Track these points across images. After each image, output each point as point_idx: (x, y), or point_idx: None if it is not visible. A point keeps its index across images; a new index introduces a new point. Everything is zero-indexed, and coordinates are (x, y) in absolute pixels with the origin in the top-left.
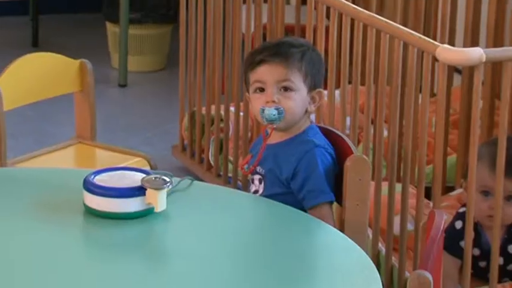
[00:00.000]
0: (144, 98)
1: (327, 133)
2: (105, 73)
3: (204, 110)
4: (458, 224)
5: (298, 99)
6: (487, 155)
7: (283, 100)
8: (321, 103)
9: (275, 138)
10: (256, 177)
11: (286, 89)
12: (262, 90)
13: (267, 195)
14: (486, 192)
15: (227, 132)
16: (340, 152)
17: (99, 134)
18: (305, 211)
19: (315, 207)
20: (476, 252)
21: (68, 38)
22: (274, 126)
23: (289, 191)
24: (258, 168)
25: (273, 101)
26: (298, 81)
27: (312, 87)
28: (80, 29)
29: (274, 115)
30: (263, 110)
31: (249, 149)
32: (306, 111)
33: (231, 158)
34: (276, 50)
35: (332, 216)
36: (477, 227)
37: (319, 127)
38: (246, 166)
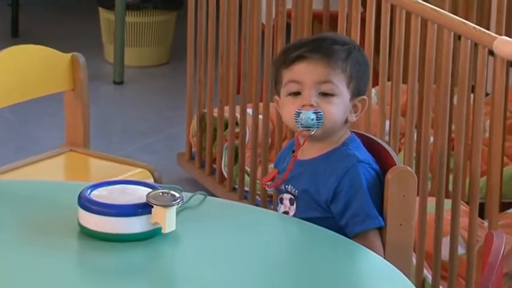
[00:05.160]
0: (144, 97)
1: (369, 143)
2: (97, 68)
3: (216, 112)
4: None
5: (340, 104)
6: None
7: (323, 104)
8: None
9: (311, 152)
10: (287, 196)
11: (326, 93)
12: (297, 93)
13: (301, 218)
14: None
15: (243, 138)
16: (384, 165)
17: (91, 139)
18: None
19: (361, 234)
20: None
21: (53, 26)
22: (311, 133)
23: (329, 216)
24: (290, 187)
25: (311, 105)
26: (341, 85)
27: (355, 94)
28: (67, 16)
29: (312, 119)
30: (299, 114)
31: (274, 164)
32: (346, 120)
33: (247, 168)
34: (317, 45)
35: (381, 244)
36: None
37: (359, 135)
38: (270, 182)
